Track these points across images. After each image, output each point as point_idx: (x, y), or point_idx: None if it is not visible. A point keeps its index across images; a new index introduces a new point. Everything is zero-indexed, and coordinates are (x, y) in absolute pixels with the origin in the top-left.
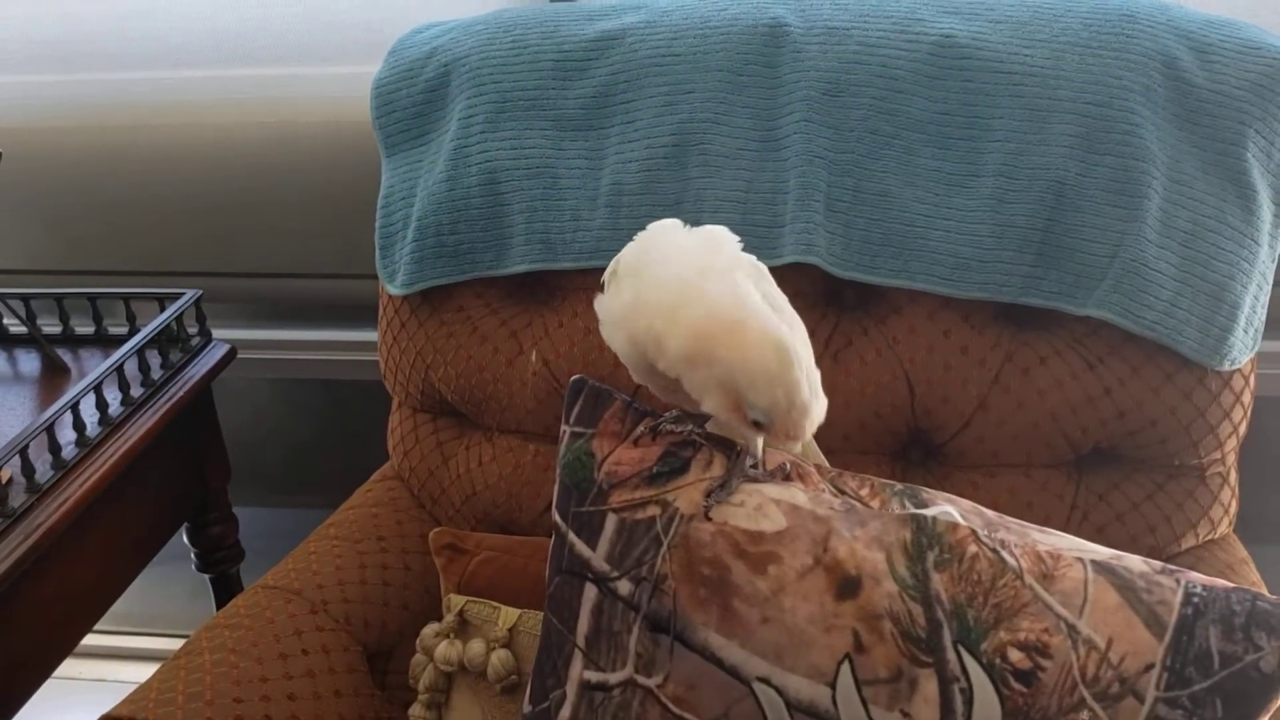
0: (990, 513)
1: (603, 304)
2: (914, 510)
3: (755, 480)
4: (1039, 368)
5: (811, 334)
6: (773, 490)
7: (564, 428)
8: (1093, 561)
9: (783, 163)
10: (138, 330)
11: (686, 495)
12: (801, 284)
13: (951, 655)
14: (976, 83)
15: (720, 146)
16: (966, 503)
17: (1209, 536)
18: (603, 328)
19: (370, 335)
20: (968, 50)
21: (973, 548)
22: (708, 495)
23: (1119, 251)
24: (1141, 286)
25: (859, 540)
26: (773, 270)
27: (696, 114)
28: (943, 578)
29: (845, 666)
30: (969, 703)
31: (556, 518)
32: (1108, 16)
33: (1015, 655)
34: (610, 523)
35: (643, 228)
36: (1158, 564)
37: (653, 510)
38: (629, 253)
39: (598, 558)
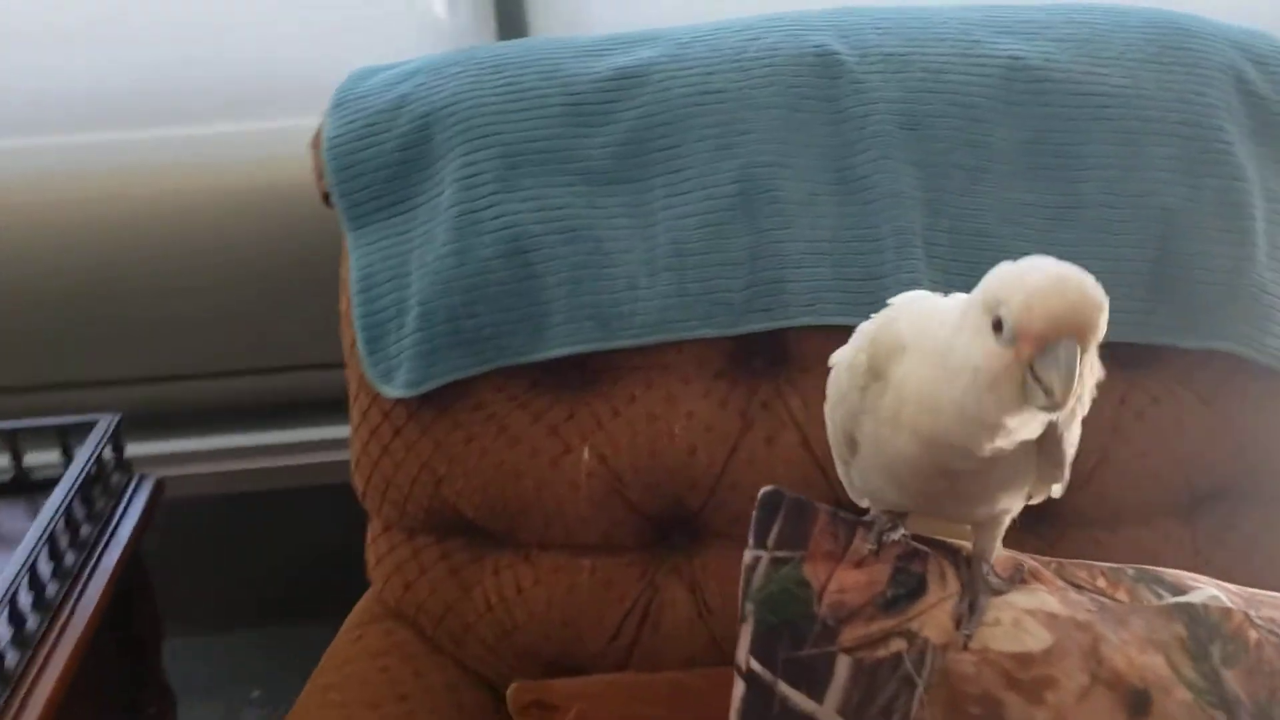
0: (1234, 586)
1: (853, 403)
2: (1174, 599)
3: (998, 590)
4: (1153, 409)
5: None
6: (1022, 599)
7: (756, 553)
8: None
9: (867, 205)
10: (24, 470)
11: (933, 621)
12: None
13: None
14: (1056, 107)
15: (791, 192)
16: (1210, 580)
17: None
18: (866, 432)
19: (302, 435)
20: (1041, 73)
21: (1253, 633)
22: (958, 619)
23: (1235, 279)
24: (1263, 314)
25: (1130, 644)
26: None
27: (757, 157)
28: (1235, 674)
29: None
30: None
31: (754, 665)
32: (1165, 31)
33: None
34: (843, 666)
35: (715, 290)
36: None
37: (897, 645)
38: (887, 335)
39: (827, 711)
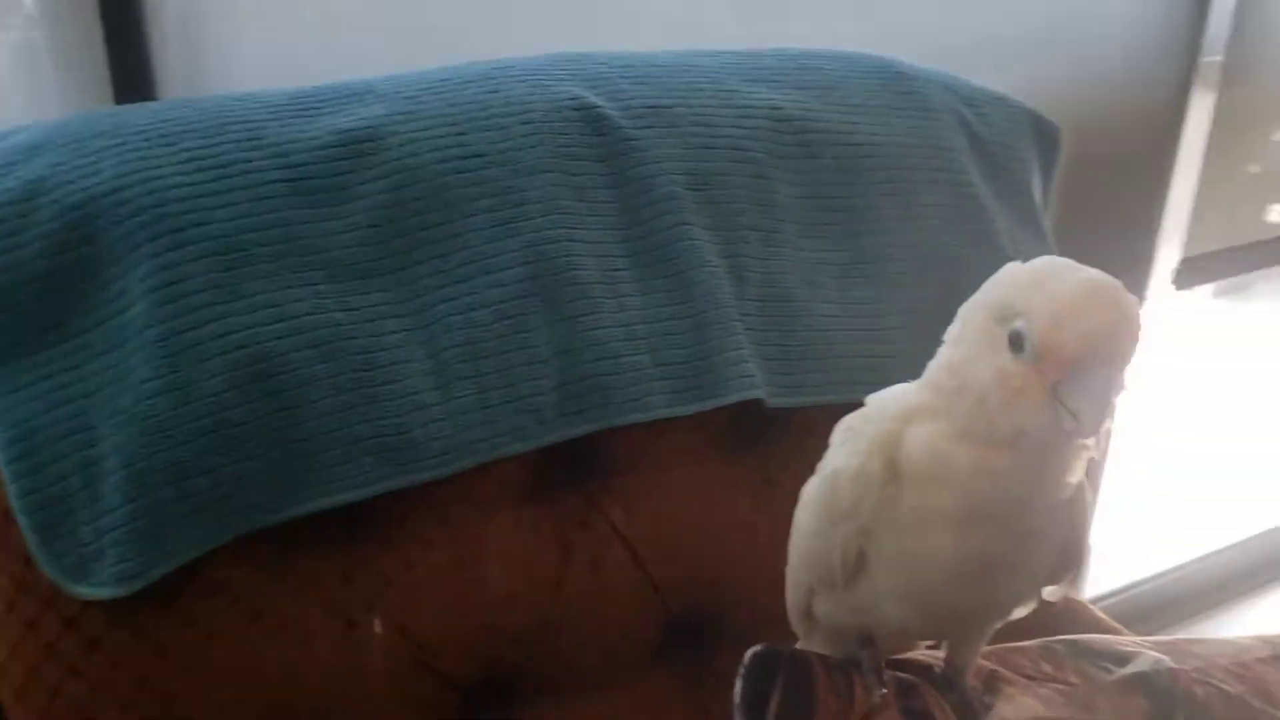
0: (1152, 638)
1: (863, 517)
2: (1122, 670)
3: (988, 706)
4: None
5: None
6: (1009, 710)
7: None
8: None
9: (674, 278)
10: None
11: None
12: (718, 425)
13: None
14: (825, 159)
15: (590, 271)
16: (1130, 636)
17: None
18: (885, 548)
19: None
20: (801, 123)
21: (1198, 690)
22: None
23: None
24: None
25: None
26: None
27: (543, 231)
28: None
29: None
30: None
31: None
32: (887, 76)
33: None
34: None
35: (521, 396)
36: None
37: None
38: (890, 428)
39: None
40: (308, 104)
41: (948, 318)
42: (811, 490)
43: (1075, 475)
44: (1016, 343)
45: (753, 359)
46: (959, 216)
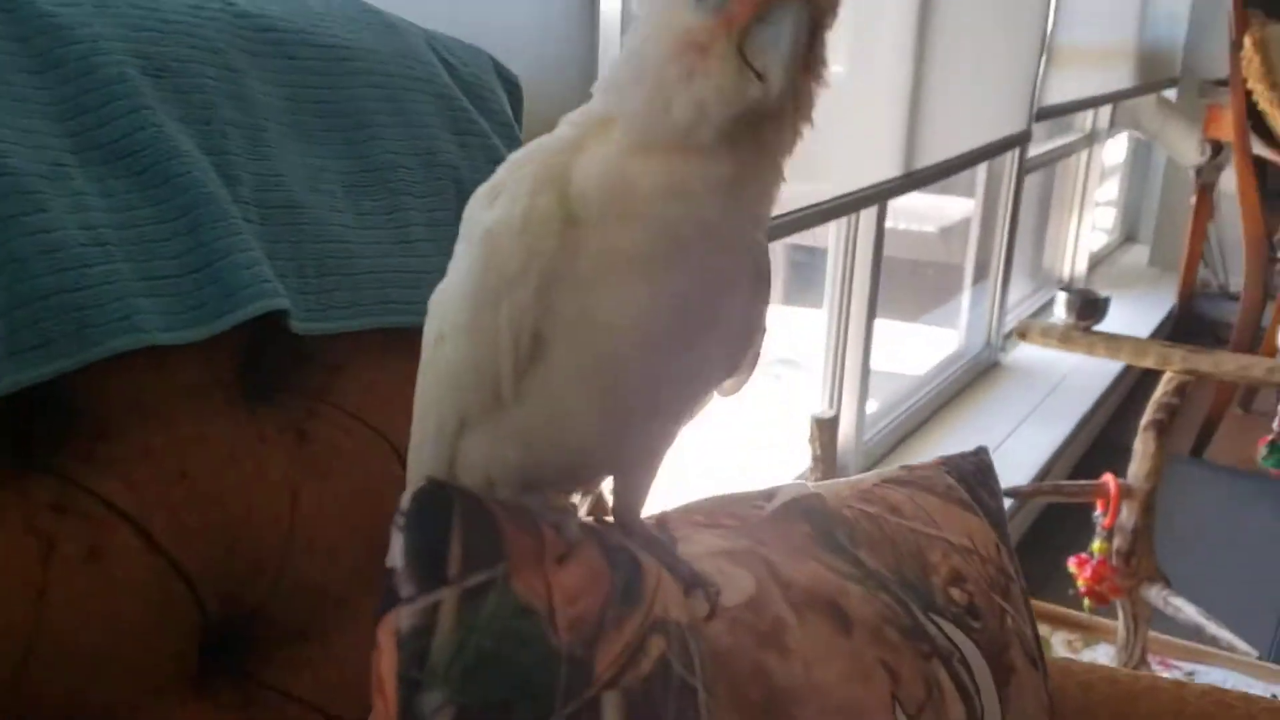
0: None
1: (540, 274)
2: (771, 505)
3: (669, 543)
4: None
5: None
6: (693, 549)
7: (431, 598)
8: (884, 480)
9: (147, 175)
10: None
11: (668, 596)
12: (231, 362)
13: (933, 629)
14: (302, 60)
15: (30, 165)
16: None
17: None
18: (567, 315)
19: None
20: (266, 21)
21: (846, 512)
22: (685, 585)
23: None
24: None
25: (788, 560)
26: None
27: None
28: (866, 553)
29: (898, 712)
30: (968, 669)
31: None
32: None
33: (956, 594)
34: (611, 710)
35: None
36: (893, 469)
37: (657, 646)
38: (555, 161)
39: None
40: None
41: (454, 233)
42: (453, 282)
43: (766, 205)
44: None
45: (266, 267)
46: (454, 129)
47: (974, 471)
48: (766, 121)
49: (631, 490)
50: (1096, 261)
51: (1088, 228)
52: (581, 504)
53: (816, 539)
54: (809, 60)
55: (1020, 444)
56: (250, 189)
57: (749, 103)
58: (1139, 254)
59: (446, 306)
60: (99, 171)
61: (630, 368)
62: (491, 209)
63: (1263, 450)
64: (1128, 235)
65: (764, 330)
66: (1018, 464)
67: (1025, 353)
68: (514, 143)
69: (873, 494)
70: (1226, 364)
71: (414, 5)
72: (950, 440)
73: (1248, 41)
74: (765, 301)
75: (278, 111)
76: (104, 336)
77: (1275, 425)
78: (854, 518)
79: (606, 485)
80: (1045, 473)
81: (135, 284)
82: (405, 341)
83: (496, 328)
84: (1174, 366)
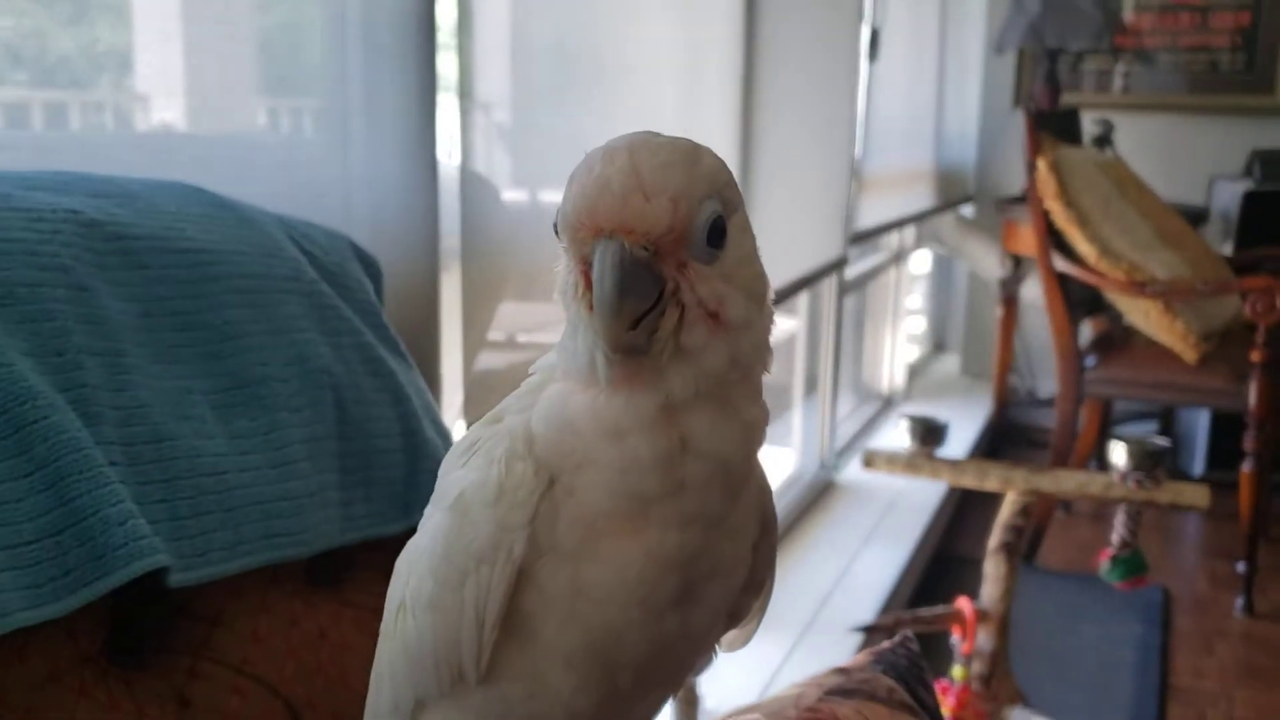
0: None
1: (517, 544)
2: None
3: None
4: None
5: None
6: None
7: None
8: (828, 692)
9: None
10: None
11: None
12: (99, 629)
13: None
14: (156, 269)
15: None
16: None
17: None
18: (550, 588)
19: None
20: (114, 228)
21: None
22: None
23: (410, 441)
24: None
25: None
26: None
27: None
28: None
29: None
30: None
31: None
32: (188, 189)
33: None
34: None
35: None
36: (829, 673)
37: None
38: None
39: None
40: None
41: (348, 443)
42: (421, 546)
43: (735, 444)
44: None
45: (140, 520)
46: (325, 328)
47: (909, 667)
48: (675, 361)
49: None
50: (913, 373)
51: (903, 340)
52: None
53: None
54: (681, 291)
55: (864, 567)
56: (113, 425)
57: (595, 336)
58: (950, 363)
59: (411, 572)
60: None
61: (628, 638)
62: (465, 468)
63: (1105, 564)
64: (937, 345)
65: (772, 574)
66: (866, 587)
67: (857, 470)
68: (382, 330)
69: (820, 712)
70: (1066, 482)
71: (258, 189)
72: (801, 570)
73: (1041, 164)
74: (771, 545)
75: (134, 330)
76: None
77: (1114, 539)
78: None
79: None
80: (893, 594)
81: None
82: (290, 578)
83: (461, 606)
84: (1017, 487)
